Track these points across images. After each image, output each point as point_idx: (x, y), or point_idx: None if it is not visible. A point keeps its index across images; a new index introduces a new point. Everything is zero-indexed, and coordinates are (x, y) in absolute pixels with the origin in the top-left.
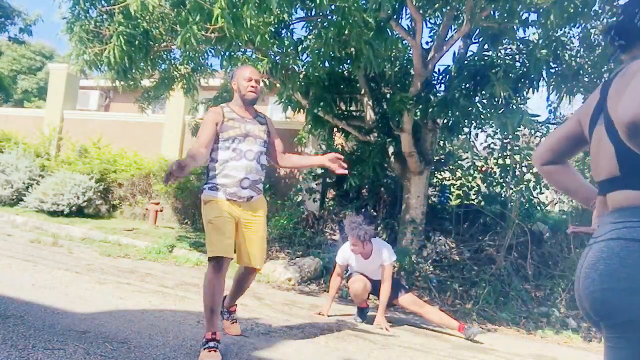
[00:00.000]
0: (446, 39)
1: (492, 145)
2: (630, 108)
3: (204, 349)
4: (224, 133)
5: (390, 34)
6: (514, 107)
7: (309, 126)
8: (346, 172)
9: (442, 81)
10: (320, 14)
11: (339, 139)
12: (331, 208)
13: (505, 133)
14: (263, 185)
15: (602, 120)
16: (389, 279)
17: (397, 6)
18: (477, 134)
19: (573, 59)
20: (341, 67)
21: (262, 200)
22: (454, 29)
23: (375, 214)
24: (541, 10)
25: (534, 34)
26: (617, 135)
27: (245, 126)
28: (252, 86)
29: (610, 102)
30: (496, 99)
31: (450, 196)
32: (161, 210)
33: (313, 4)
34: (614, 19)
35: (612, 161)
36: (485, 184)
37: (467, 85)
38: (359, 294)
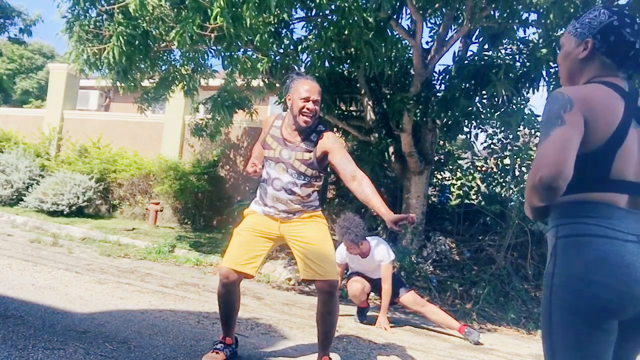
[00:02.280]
0: (446, 39)
1: (492, 146)
2: None
3: (211, 350)
4: (264, 150)
5: (390, 34)
6: (515, 107)
7: None
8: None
9: (442, 81)
10: (320, 13)
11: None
12: (331, 208)
13: (506, 133)
14: None
15: None
16: (388, 279)
17: (397, 6)
18: (477, 134)
19: None
20: (341, 67)
21: (310, 212)
22: (454, 29)
23: (375, 213)
24: (541, 10)
25: (534, 33)
26: None
27: (281, 150)
28: (308, 109)
29: None
30: (497, 99)
31: (450, 196)
32: (161, 210)
33: (313, 4)
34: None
35: None
36: (485, 184)
37: (467, 85)
38: (357, 295)
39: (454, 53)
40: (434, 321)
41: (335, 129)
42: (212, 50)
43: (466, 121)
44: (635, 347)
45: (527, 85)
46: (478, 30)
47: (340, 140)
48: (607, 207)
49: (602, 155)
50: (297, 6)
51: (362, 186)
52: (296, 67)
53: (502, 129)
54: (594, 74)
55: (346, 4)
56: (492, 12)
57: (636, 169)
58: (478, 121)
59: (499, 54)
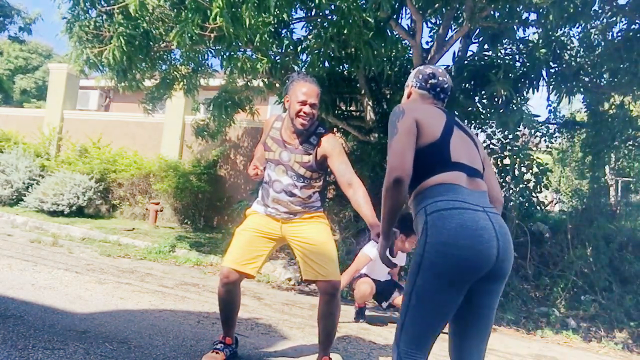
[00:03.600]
0: (446, 39)
1: (491, 146)
2: (499, 194)
3: (211, 350)
4: (265, 152)
5: (390, 34)
6: (514, 107)
7: None
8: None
9: None
10: (320, 13)
11: (339, 139)
12: (331, 208)
13: (505, 133)
14: None
15: (467, 137)
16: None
17: (396, 6)
18: (477, 134)
19: (573, 59)
20: (341, 67)
21: (311, 213)
22: (454, 29)
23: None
24: (541, 10)
25: (533, 34)
26: (482, 159)
27: (281, 152)
28: (305, 113)
29: (478, 144)
30: (496, 99)
31: None
32: (161, 210)
33: (313, 4)
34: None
35: (480, 164)
36: None
37: (467, 85)
38: (366, 296)
39: (454, 53)
40: None
41: (335, 129)
42: (212, 50)
43: (466, 121)
44: (494, 297)
45: (527, 85)
46: (478, 30)
47: (340, 144)
48: (456, 186)
49: (440, 145)
50: (297, 6)
51: (357, 195)
52: (296, 67)
53: (501, 129)
54: (424, 102)
55: (346, 4)
56: (492, 12)
57: (467, 156)
58: (478, 121)
59: (499, 54)
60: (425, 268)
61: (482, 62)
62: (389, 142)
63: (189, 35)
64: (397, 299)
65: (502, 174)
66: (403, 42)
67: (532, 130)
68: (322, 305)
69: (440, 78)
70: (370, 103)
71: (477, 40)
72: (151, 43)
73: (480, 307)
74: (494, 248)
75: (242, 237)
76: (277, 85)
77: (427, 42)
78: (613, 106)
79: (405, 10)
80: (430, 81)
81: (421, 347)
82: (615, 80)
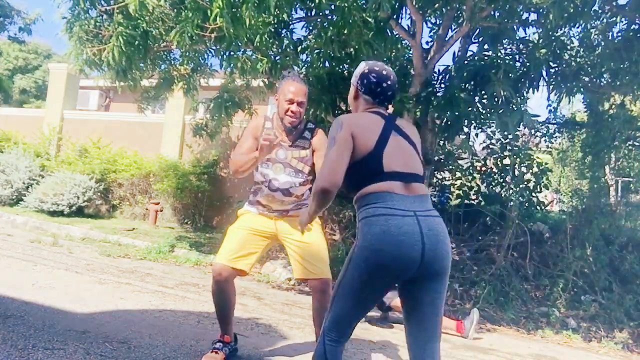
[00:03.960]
0: (446, 39)
1: (491, 146)
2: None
3: (211, 350)
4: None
5: (390, 34)
6: (514, 107)
7: None
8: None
9: (442, 81)
10: (320, 13)
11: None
12: (331, 208)
13: (505, 133)
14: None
15: (405, 140)
16: None
17: (396, 6)
18: (477, 134)
19: (573, 58)
20: (341, 67)
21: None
22: (454, 29)
23: None
24: (541, 10)
25: (533, 34)
26: (421, 161)
27: (276, 151)
28: (292, 112)
29: (417, 145)
30: (496, 99)
31: (450, 196)
32: (161, 210)
33: (313, 4)
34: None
35: (420, 167)
36: (485, 184)
37: (467, 85)
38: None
39: (454, 53)
40: None
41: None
42: (212, 50)
43: (466, 121)
44: (434, 295)
45: (527, 85)
46: (478, 30)
47: (327, 139)
48: (387, 194)
49: (374, 156)
50: (297, 6)
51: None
52: (296, 67)
53: (501, 129)
54: (363, 107)
55: (346, 4)
56: (492, 12)
57: (402, 162)
58: (478, 121)
59: (499, 54)
60: (352, 267)
61: (482, 62)
62: (326, 152)
63: (189, 35)
64: (395, 301)
65: (502, 174)
66: (403, 42)
67: (532, 130)
68: (315, 302)
69: (384, 84)
70: None
71: (477, 40)
72: (151, 43)
73: (421, 305)
74: (417, 252)
75: (235, 234)
76: (277, 85)
77: (427, 42)
78: (613, 106)
79: (405, 10)
80: (376, 89)
81: (342, 330)
82: (615, 80)
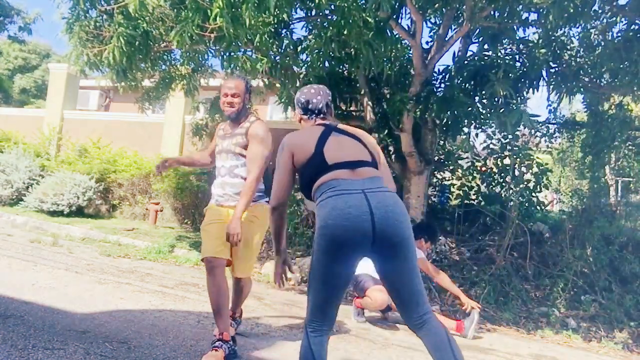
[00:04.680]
0: (446, 39)
1: (491, 146)
2: (391, 183)
3: (211, 349)
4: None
5: (390, 34)
6: (514, 106)
7: None
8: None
9: (442, 81)
10: (320, 13)
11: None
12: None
13: (505, 133)
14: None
15: (346, 136)
16: (428, 271)
17: (396, 6)
18: (477, 134)
19: (573, 58)
20: (341, 67)
21: (253, 209)
22: (454, 29)
23: None
24: (541, 10)
25: (533, 33)
26: (371, 153)
27: (223, 142)
28: (228, 103)
29: (365, 140)
30: (496, 99)
31: (450, 196)
32: (161, 210)
33: (313, 4)
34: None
35: (366, 155)
36: (485, 184)
37: (467, 85)
38: (382, 306)
39: (454, 53)
40: None
41: None
42: (212, 50)
43: (466, 121)
44: (399, 263)
45: (527, 85)
46: (478, 30)
47: (264, 134)
48: (334, 181)
49: (315, 155)
50: (297, 6)
51: (244, 185)
52: (296, 67)
53: (500, 129)
54: (307, 125)
55: (346, 4)
56: (492, 12)
57: (345, 153)
58: (478, 121)
59: (499, 54)
60: (315, 250)
61: (482, 62)
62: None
63: (189, 35)
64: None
65: (502, 174)
66: (403, 42)
67: (532, 130)
68: (232, 285)
69: (314, 100)
70: (370, 103)
71: (477, 40)
72: (151, 43)
73: (393, 275)
74: (367, 222)
75: (208, 231)
76: (277, 85)
77: (427, 42)
78: (613, 106)
79: (405, 10)
80: (308, 107)
81: (322, 317)
82: (615, 80)
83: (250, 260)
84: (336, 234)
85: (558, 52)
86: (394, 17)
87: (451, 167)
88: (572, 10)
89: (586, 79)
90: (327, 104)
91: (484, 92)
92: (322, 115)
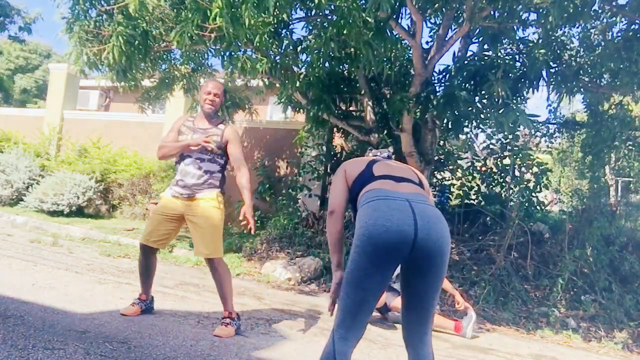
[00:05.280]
0: (446, 39)
1: (491, 146)
2: None
3: (130, 304)
4: (179, 137)
5: (390, 34)
6: (514, 106)
7: (309, 126)
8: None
9: (442, 81)
10: (320, 13)
11: (339, 139)
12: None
13: (505, 133)
14: (263, 185)
15: (395, 162)
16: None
17: (396, 6)
18: (477, 134)
19: (573, 59)
20: (341, 67)
21: (207, 199)
22: (454, 29)
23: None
24: (541, 10)
25: (533, 33)
26: (420, 180)
27: (192, 135)
28: (210, 100)
29: (417, 172)
30: (495, 99)
31: (450, 196)
32: None
33: (312, 4)
34: (613, 19)
35: (412, 175)
36: (485, 184)
37: (467, 85)
38: (381, 304)
39: (454, 53)
40: None
41: (335, 129)
42: (212, 50)
43: (466, 121)
44: (431, 279)
45: (527, 85)
46: (478, 30)
47: (239, 135)
48: (379, 189)
49: (365, 171)
50: (297, 6)
51: (241, 178)
52: (296, 68)
53: (499, 129)
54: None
55: (345, 4)
56: (492, 12)
57: (391, 171)
58: (478, 121)
59: (499, 54)
60: (351, 253)
61: (482, 62)
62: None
63: (189, 35)
64: (396, 301)
65: (502, 174)
66: (403, 42)
67: (532, 130)
68: (211, 275)
69: (379, 155)
70: (370, 103)
71: (477, 40)
72: (151, 43)
73: (410, 288)
74: (408, 226)
75: (152, 220)
76: (277, 85)
77: (427, 42)
78: (613, 106)
79: (405, 10)
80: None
81: (350, 323)
82: (615, 80)
83: (219, 240)
84: (375, 234)
85: (558, 52)
86: (394, 17)
87: (451, 167)
88: (572, 10)
89: (586, 79)
90: (389, 157)
91: (483, 92)
92: (382, 156)
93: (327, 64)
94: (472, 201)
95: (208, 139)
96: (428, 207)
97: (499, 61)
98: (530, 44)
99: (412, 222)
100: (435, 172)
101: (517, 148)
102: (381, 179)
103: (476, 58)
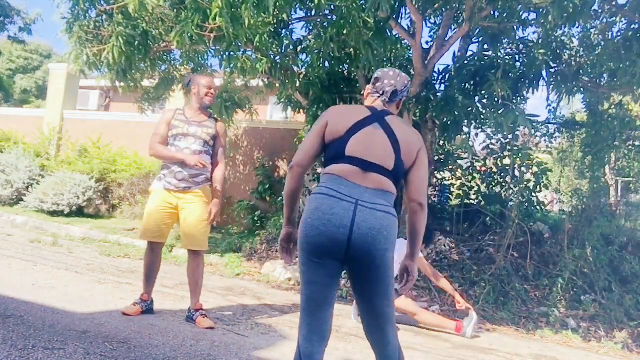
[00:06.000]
0: (446, 39)
1: (490, 146)
2: (422, 195)
3: (132, 304)
4: (170, 131)
5: (389, 34)
6: (514, 106)
7: (309, 126)
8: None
9: (442, 81)
10: (320, 13)
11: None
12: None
13: (504, 133)
14: (263, 185)
15: (383, 131)
16: (426, 271)
17: (396, 6)
18: (477, 134)
19: (573, 59)
20: (341, 67)
21: (202, 191)
22: (454, 29)
23: None
24: (541, 10)
25: (533, 33)
26: (399, 151)
27: (188, 127)
28: (211, 94)
29: (400, 138)
30: (495, 99)
31: (450, 196)
32: None
33: (312, 4)
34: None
35: (389, 161)
36: (485, 184)
37: (467, 85)
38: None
39: (454, 53)
40: (430, 324)
41: None
42: (212, 50)
43: (466, 121)
44: (364, 285)
45: (527, 85)
46: (478, 30)
47: (226, 130)
48: (338, 178)
49: (341, 140)
50: (297, 6)
51: (219, 172)
52: (296, 67)
53: (498, 129)
54: (369, 102)
55: (345, 4)
56: (491, 12)
57: (368, 152)
58: (478, 121)
59: (499, 54)
60: (298, 243)
61: (482, 62)
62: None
63: (189, 35)
64: (396, 302)
65: (502, 174)
66: (403, 42)
67: (532, 130)
68: (189, 263)
69: (385, 81)
70: None
71: (477, 40)
72: (151, 43)
73: (355, 292)
74: (342, 235)
75: (151, 216)
76: (277, 85)
77: (427, 42)
78: (613, 106)
79: (405, 10)
80: (376, 84)
81: (309, 326)
82: (615, 80)
83: (207, 234)
84: (310, 234)
85: (558, 52)
86: (394, 17)
87: (451, 167)
88: (571, 10)
89: (586, 79)
90: (396, 92)
91: (483, 92)
92: (385, 99)
93: (327, 64)
94: (472, 201)
95: (203, 162)
96: (374, 213)
97: (499, 61)
98: (530, 44)
99: (347, 230)
100: (435, 172)
101: (517, 148)
102: (350, 162)
103: (476, 58)
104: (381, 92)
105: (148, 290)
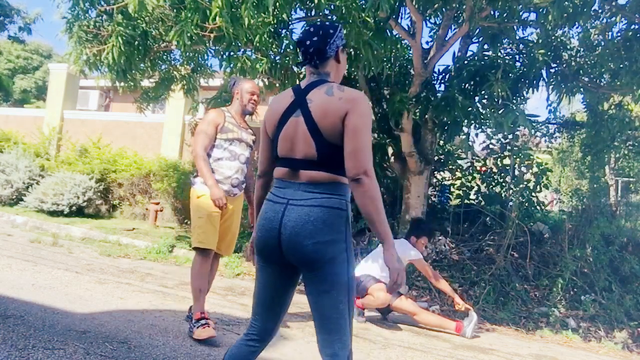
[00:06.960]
0: (446, 39)
1: (490, 146)
2: (357, 166)
3: (201, 326)
4: (223, 134)
5: (389, 34)
6: (514, 106)
7: None
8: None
9: (442, 81)
10: (320, 13)
11: None
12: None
13: (504, 133)
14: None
15: (302, 118)
16: (425, 272)
17: (396, 6)
18: (477, 134)
19: (573, 59)
20: None
21: (242, 196)
22: (454, 29)
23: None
24: (541, 10)
25: (533, 33)
26: (319, 133)
27: (240, 132)
28: (255, 101)
29: (317, 116)
30: (495, 99)
31: (450, 196)
32: (161, 210)
33: (312, 4)
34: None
35: (311, 150)
36: (485, 184)
37: (467, 85)
38: (384, 304)
39: (454, 53)
40: (430, 324)
41: None
42: (212, 50)
43: (466, 121)
44: (308, 283)
45: (527, 85)
46: (478, 30)
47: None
48: (278, 180)
49: (273, 142)
50: (296, 6)
51: (250, 179)
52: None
53: (497, 129)
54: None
55: (345, 4)
56: (491, 12)
57: (291, 148)
58: (477, 121)
59: (499, 54)
60: None
61: (482, 62)
62: None
63: (189, 35)
64: (395, 303)
65: (502, 174)
66: (403, 42)
67: (532, 130)
68: (213, 267)
69: (307, 42)
70: (370, 103)
71: (477, 40)
72: (150, 43)
73: (307, 293)
74: (273, 239)
75: (210, 224)
76: (277, 85)
77: (427, 42)
78: (613, 106)
79: (405, 10)
80: (300, 50)
81: (253, 323)
82: (615, 80)
83: (234, 241)
84: (256, 239)
85: (558, 52)
86: (394, 17)
87: (451, 167)
88: (571, 10)
89: (586, 79)
90: (320, 50)
91: (483, 92)
92: (312, 64)
93: None
94: (472, 201)
95: (224, 205)
96: (301, 209)
97: (499, 61)
98: (530, 44)
99: (276, 233)
100: (435, 172)
101: (517, 148)
102: (282, 163)
103: (476, 58)
104: (304, 58)
105: (202, 304)
